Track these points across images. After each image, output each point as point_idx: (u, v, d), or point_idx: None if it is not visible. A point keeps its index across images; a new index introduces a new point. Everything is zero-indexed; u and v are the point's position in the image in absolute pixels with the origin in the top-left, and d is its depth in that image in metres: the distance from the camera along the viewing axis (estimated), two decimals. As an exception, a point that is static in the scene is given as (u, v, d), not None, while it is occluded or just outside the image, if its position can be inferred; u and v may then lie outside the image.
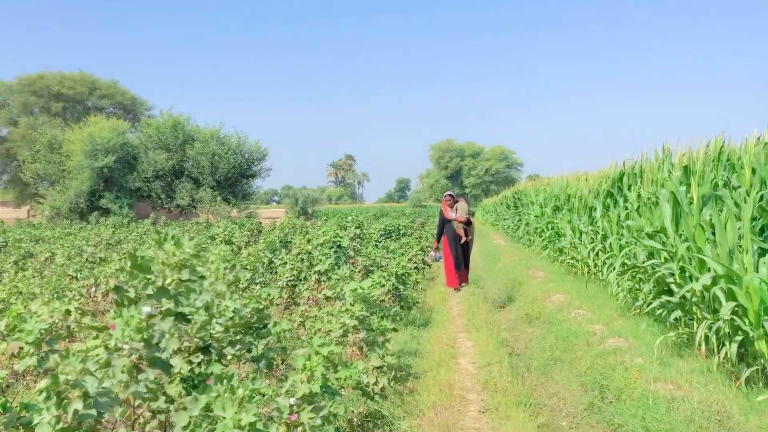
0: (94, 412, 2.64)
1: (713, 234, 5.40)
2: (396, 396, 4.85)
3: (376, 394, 4.48)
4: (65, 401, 2.56)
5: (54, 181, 39.31)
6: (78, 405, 2.57)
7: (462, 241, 10.59)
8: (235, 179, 40.26)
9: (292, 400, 2.92)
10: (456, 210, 10.74)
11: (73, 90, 48.77)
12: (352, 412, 4.36)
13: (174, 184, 39.66)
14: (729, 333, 4.85)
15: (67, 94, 48.57)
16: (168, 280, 2.55)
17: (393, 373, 4.67)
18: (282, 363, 5.52)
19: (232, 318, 3.70)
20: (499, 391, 5.04)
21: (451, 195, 11.00)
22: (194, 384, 3.38)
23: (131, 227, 27.48)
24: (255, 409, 2.14)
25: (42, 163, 39.39)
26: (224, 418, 2.13)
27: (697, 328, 5.62)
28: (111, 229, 24.00)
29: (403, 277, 8.41)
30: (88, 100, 50.87)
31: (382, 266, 9.57)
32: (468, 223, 10.77)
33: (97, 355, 2.54)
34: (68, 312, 5.12)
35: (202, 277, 2.65)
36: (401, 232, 19.75)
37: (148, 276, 2.56)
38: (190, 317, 2.66)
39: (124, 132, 39.43)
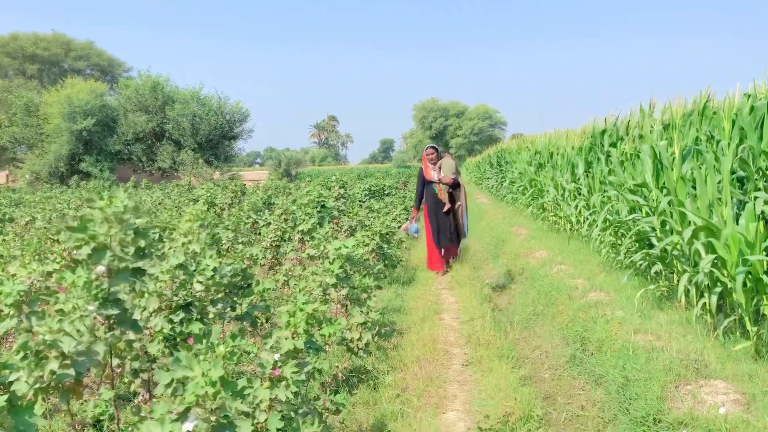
0: (72, 371, 2.62)
1: (694, 188, 5.44)
2: (380, 351, 4.90)
3: (360, 349, 4.52)
4: (42, 361, 2.54)
5: (32, 145, 38.62)
6: (54, 365, 2.55)
7: (445, 209, 8.49)
8: (216, 141, 39.80)
9: (276, 356, 2.92)
10: (439, 168, 8.62)
11: (48, 51, 47.74)
12: (337, 367, 4.40)
13: (155, 147, 39.14)
14: (708, 285, 4.92)
15: (42, 55, 47.52)
16: (105, 237, 2.47)
17: (377, 329, 4.70)
18: (267, 322, 5.54)
19: (212, 277, 3.68)
20: (482, 344, 5.10)
21: (434, 148, 8.72)
22: (176, 342, 3.38)
23: (112, 190, 27.18)
24: (221, 363, 2.13)
25: (19, 127, 38.60)
26: (195, 376, 2.12)
27: (677, 280, 5.69)
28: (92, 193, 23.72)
29: (387, 236, 8.41)
30: (63, 62, 49.85)
31: (366, 226, 9.57)
32: (455, 186, 8.59)
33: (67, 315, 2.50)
34: (49, 274, 5.07)
35: (145, 231, 2.56)
36: (386, 192, 19.76)
37: (83, 235, 2.48)
38: (146, 270, 2.60)
39: (102, 94, 38.67)
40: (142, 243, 2.53)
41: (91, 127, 36.24)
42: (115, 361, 2.86)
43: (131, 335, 2.86)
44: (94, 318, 2.50)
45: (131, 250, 2.51)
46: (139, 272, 2.59)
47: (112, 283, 2.50)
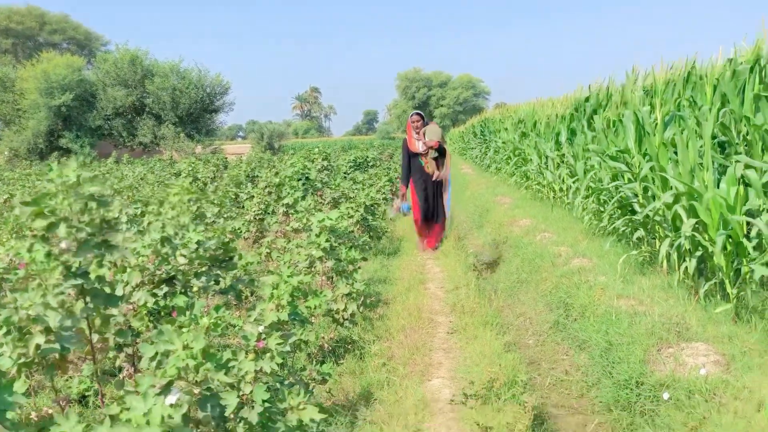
0: (57, 346, 2.60)
1: (675, 153, 5.46)
2: (366, 322, 4.91)
3: (346, 320, 4.53)
4: (27, 336, 2.52)
5: (9, 121, 37.94)
6: (40, 339, 2.53)
7: (435, 177, 8.05)
8: (197, 114, 39.37)
9: (260, 328, 2.92)
10: (424, 135, 8.06)
11: (22, 25, 46.75)
12: (323, 338, 4.41)
13: (135, 121, 38.66)
14: (689, 249, 4.97)
15: (16, 29, 46.53)
16: (59, 209, 2.42)
17: (362, 299, 4.71)
18: (252, 295, 5.53)
19: (196, 250, 3.65)
20: (466, 312, 5.13)
21: (419, 115, 8.17)
22: (160, 316, 3.36)
23: (93, 166, 26.84)
24: (203, 335, 2.12)
25: (-6, 103, 37.91)
26: (176, 349, 2.11)
27: (659, 246, 5.75)
28: (72, 169, 23.32)
29: (372, 207, 8.36)
30: (39, 36, 48.86)
31: (350, 198, 9.53)
32: (442, 153, 8.19)
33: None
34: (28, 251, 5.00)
35: (104, 200, 2.49)
36: (370, 163, 19.68)
37: (35, 208, 2.43)
38: (115, 245, 2.55)
39: (80, 68, 37.97)
40: (104, 213, 2.48)
41: (70, 102, 35.65)
42: (96, 337, 2.84)
43: (113, 311, 2.83)
44: (68, 294, 2.47)
45: (88, 219, 2.46)
46: (106, 244, 2.55)
47: (77, 255, 2.46)
